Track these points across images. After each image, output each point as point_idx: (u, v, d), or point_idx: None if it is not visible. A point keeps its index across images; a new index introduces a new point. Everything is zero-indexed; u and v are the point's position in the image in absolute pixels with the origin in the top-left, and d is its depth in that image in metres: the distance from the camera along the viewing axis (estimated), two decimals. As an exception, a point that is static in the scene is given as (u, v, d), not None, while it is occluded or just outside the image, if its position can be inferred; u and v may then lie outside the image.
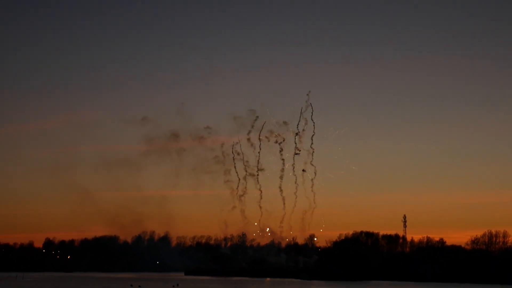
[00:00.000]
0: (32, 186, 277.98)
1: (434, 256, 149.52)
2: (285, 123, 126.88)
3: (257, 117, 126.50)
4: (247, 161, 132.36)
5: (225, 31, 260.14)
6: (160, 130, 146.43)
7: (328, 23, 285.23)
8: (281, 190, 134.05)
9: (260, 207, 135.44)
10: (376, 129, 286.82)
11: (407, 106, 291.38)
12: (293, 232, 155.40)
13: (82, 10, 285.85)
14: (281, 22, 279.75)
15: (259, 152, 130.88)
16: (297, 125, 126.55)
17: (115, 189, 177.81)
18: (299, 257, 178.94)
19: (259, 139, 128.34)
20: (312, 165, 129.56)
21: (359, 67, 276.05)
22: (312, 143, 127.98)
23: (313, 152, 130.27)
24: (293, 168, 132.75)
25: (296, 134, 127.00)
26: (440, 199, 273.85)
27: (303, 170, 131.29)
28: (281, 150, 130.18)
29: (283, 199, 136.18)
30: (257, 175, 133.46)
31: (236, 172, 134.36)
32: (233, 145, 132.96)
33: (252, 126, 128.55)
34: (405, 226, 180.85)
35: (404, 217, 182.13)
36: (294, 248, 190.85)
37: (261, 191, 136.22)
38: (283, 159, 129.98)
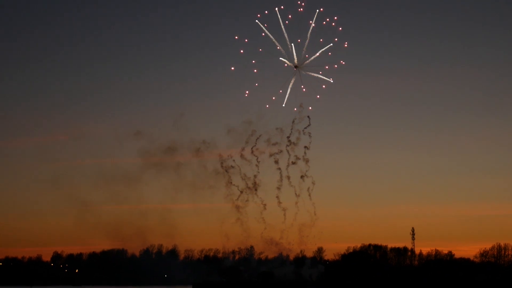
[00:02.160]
0: (33, 199, 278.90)
1: (442, 269, 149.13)
2: (280, 130, 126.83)
3: (254, 130, 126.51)
4: (244, 174, 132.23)
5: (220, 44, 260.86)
6: (158, 143, 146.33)
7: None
8: (279, 202, 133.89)
9: (263, 220, 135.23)
10: (383, 140, 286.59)
11: (416, 117, 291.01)
12: (300, 245, 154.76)
13: (81, 28, 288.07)
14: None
15: (256, 165, 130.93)
16: (290, 136, 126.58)
17: (116, 202, 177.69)
18: (306, 269, 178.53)
19: (252, 152, 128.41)
20: (307, 175, 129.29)
21: (362, 76, 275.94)
22: (305, 154, 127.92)
23: (308, 162, 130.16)
24: (288, 179, 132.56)
25: (290, 144, 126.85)
26: (448, 212, 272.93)
27: (302, 177, 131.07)
28: (277, 161, 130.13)
29: (284, 211, 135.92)
30: (255, 188, 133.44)
31: (236, 185, 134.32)
32: (230, 158, 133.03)
33: (248, 139, 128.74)
34: (413, 238, 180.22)
35: (413, 229, 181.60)
36: (302, 261, 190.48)
37: (263, 204, 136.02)
38: (279, 169, 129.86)
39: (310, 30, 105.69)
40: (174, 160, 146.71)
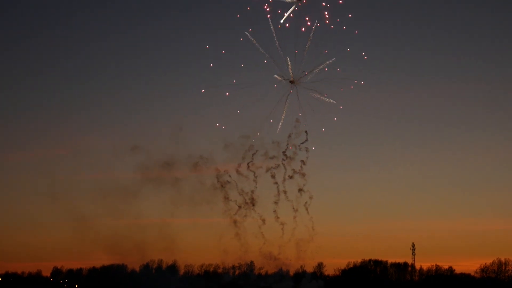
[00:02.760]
0: (32, 214, 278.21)
1: (443, 284, 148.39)
2: (277, 144, 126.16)
3: (251, 145, 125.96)
4: (241, 189, 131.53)
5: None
6: (156, 158, 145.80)
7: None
8: (277, 217, 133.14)
9: (262, 235, 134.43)
10: (383, 155, 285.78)
11: (415, 131, 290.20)
12: (299, 260, 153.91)
13: (78, 42, 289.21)
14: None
15: (254, 180, 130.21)
16: (285, 150, 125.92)
17: (115, 217, 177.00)
18: (306, 284, 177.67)
19: (248, 167, 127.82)
20: (304, 190, 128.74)
21: (361, 92, 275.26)
22: (301, 168, 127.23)
23: (304, 176, 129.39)
24: (285, 194, 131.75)
25: (286, 158, 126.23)
26: (449, 227, 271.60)
27: (299, 190, 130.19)
28: (273, 175, 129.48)
29: (282, 226, 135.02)
30: (253, 204, 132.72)
31: (234, 200, 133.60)
32: (227, 173, 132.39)
33: (245, 155, 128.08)
34: (413, 254, 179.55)
35: (413, 245, 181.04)
36: (302, 276, 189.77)
37: (262, 219, 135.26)
38: (276, 183, 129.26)
39: (308, 45, 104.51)
40: (171, 175, 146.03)
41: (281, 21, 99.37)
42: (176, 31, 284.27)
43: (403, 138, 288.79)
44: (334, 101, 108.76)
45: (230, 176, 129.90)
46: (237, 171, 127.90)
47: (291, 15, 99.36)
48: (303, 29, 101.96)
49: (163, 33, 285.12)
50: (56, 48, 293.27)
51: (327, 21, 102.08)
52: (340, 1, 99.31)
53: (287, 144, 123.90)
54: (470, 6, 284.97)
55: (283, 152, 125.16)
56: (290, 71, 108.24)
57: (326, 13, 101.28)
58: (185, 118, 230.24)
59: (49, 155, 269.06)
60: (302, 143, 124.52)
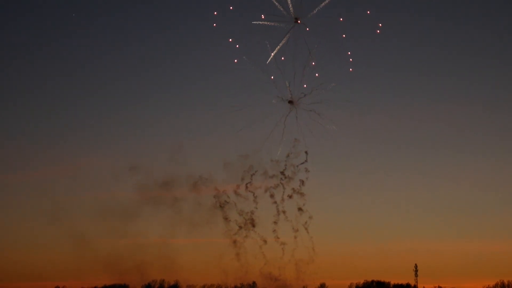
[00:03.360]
0: (33, 233, 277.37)
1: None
2: (276, 162, 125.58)
3: (250, 166, 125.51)
4: (241, 210, 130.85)
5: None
6: (155, 177, 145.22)
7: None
8: (277, 238, 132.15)
9: (263, 255, 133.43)
10: (386, 175, 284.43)
11: (418, 152, 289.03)
12: (298, 281, 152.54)
13: (76, 61, 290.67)
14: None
15: (254, 200, 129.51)
16: (284, 170, 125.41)
17: (115, 236, 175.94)
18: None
19: (246, 188, 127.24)
20: (303, 210, 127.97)
21: (360, 113, 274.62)
22: (300, 188, 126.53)
23: (303, 195, 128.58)
24: (284, 213, 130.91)
25: (285, 178, 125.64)
26: (452, 248, 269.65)
27: (299, 210, 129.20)
28: (272, 195, 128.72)
29: (282, 246, 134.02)
30: (253, 224, 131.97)
31: (234, 220, 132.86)
32: (225, 194, 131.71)
33: (244, 175, 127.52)
34: (416, 275, 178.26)
35: (416, 266, 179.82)
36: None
37: (263, 240, 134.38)
38: (275, 203, 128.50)
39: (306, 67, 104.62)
40: (171, 194, 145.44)
41: (277, 48, 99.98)
42: (175, 52, 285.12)
43: (405, 159, 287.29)
44: (333, 123, 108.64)
45: (228, 196, 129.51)
46: (236, 192, 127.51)
47: (286, 39, 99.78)
48: (300, 51, 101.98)
49: (162, 53, 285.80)
50: (54, 67, 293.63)
51: (323, 43, 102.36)
52: (341, 19, 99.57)
53: (285, 164, 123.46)
54: (472, 26, 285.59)
55: (282, 172, 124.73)
56: (289, 92, 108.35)
57: (323, 32, 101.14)
58: (185, 138, 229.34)
59: (49, 175, 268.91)
60: (302, 163, 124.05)
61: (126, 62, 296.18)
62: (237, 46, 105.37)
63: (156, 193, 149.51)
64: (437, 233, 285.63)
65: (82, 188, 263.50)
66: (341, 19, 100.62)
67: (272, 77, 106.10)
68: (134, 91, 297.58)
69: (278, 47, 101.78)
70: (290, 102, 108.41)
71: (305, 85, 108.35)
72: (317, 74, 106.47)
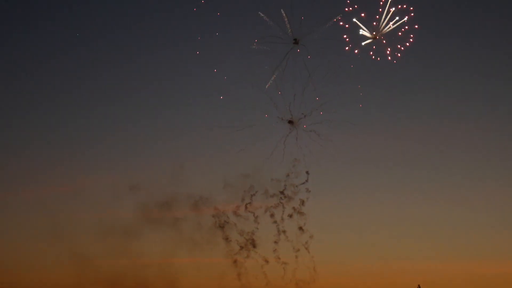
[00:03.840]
0: (33, 253, 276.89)
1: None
2: (276, 181, 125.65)
3: (251, 186, 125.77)
4: (242, 230, 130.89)
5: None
6: (156, 197, 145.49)
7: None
8: (278, 258, 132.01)
9: (264, 275, 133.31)
10: (387, 195, 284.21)
11: (420, 172, 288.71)
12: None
13: (76, 78, 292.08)
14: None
15: (254, 220, 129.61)
16: (284, 190, 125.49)
17: (116, 256, 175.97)
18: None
19: (246, 208, 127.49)
20: (303, 230, 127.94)
21: (361, 130, 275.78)
22: (300, 207, 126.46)
23: (303, 215, 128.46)
24: (284, 233, 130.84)
25: (285, 197, 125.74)
26: (454, 269, 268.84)
27: (300, 229, 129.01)
28: (272, 215, 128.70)
29: (283, 266, 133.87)
30: (254, 244, 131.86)
31: (235, 240, 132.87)
32: (226, 214, 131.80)
33: (244, 196, 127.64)
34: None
35: (418, 286, 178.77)
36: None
37: (265, 261, 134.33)
38: (275, 222, 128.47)
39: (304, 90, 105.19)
40: (171, 214, 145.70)
41: (274, 74, 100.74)
42: (175, 72, 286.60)
43: (407, 179, 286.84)
44: (333, 143, 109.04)
45: (228, 217, 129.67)
46: (236, 213, 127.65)
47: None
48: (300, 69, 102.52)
49: (162, 72, 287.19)
50: (52, 86, 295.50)
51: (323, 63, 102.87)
52: (347, 40, 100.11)
53: (285, 184, 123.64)
54: (475, 47, 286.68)
55: (282, 192, 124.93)
56: (289, 112, 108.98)
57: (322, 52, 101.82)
58: (185, 158, 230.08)
59: (49, 193, 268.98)
60: (303, 183, 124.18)
61: (124, 81, 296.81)
62: (234, 71, 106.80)
63: (157, 213, 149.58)
64: (440, 253, 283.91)
65: (82, 208, 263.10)
66: (344, 39, 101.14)
67: (272, 99, 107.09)
68: (134, 111, 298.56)
69: (275, 72, 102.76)
70: (290, 122, 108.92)
71: (303, 111, 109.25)
72: (317, 98, 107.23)
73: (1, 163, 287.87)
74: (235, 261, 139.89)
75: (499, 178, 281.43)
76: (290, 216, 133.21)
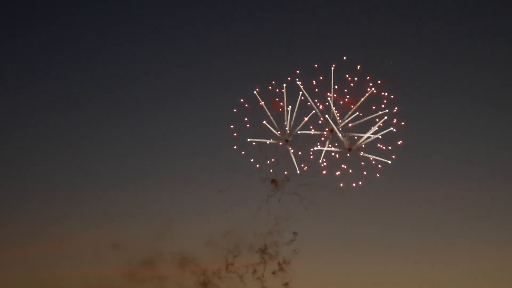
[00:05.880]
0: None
1: None
2: (260, 239, 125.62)
3: (236, 245, 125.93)
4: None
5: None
6: (139, 255, 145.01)
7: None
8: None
9: None
10: (373, 259, 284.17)
11: (408, 237, 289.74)
12: None
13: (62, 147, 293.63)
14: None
15: (238, 277, 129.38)
16: (266, 249, 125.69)
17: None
18: None
19: (227, 268, 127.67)
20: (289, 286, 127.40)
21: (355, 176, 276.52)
22: (283, 267, 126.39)
23: (285, 271, 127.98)
24: None
25: (267, 257, 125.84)
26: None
27: (285, 285, 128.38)
28: (255, 271, 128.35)
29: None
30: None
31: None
32: (208, 273, 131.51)
33: (227, 255, 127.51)
34: None
35: None
36: None
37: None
38: (259, 278, 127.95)
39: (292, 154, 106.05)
40: (155, 273, 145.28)
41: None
42: (161, 136, 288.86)
43: (395, 241, 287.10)
44: (316, 205, 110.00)
45: (212, 276, 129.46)
46: (218, 273, 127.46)
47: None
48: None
49: (149, 137, 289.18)
50: (40, 146, 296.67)
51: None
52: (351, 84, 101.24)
53: (265, 243, 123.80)
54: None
55: (264, 250, 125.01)
56: (274, 174, 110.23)
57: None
58: (170, 217, 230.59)
59: (32, 252, 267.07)
60: (288, 244, 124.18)
61: (110, 142, 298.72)
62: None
63: (140, 270, 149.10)
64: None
65: (66, 266, 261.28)
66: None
67: (258, 166, 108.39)
68: (119, 170, 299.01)
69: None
70: (274, 181, 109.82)
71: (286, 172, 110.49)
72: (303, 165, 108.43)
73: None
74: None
75: (498, 229, 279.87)
76: (274, 273, 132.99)
